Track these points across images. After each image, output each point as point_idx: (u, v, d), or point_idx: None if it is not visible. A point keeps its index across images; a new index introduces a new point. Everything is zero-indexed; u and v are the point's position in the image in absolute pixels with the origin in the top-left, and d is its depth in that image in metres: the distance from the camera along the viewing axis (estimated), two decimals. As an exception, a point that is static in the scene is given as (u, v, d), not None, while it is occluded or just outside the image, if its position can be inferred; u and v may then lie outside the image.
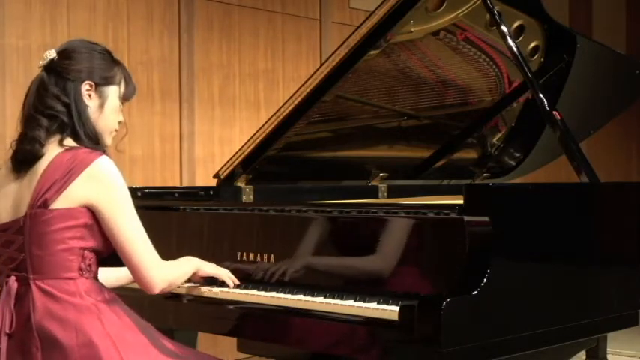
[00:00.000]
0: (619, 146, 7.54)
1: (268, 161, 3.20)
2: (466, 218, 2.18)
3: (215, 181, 3.27)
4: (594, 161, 2.82)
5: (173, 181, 4.49)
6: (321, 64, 2.97)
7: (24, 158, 2.14)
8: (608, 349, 3.05)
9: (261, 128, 3.09)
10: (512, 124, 3.81)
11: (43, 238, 2.08)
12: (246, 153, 3.14)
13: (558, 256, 2.40)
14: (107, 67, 2.24)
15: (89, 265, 2.13)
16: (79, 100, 2.18)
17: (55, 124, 2.15)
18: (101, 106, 2.22)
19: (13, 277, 2.11)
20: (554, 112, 2.78)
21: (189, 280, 2.53)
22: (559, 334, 2.36)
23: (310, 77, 2.95)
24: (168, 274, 2.25)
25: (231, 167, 3.19)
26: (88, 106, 2.19)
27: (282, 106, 3.03)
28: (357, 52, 2.89)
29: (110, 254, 2.22)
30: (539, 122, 3.42)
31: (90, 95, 2.20)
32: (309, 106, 3.01)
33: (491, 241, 2.15)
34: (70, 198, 2.09)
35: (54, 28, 4.01)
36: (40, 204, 2.08)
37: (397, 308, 2.14)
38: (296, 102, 2.98)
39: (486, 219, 2.16)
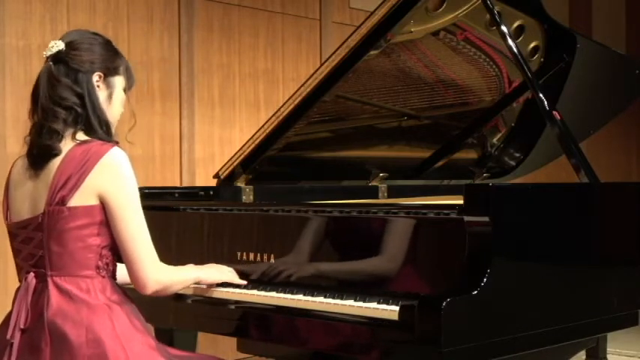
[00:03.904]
0: (619, 146, 7.54)
1: (268, 161, 3.20)
2: (466, 218, 2.18)
3: (215, 181, 3.27)
4: (594, 161, 2.82)
5: (173, 181, 4.49)
6: (321, 64, 2.97)
7: (43, 152, 2.13)
8: (608, 349, 3.06)
9: (261, 128, 3.09)
10: (513, 124, 3.81)
11: (62, 236, 2.10)
12: (246, 153, 3.14)
13: (558, 256, 2.40)
14: (112, 57, 2.25)
15: (106, 264, 2.14)
16: (93, 90, 2.18)
17: (70, 115, 2.15)
18: (110, 96, 2.24)
19: (32, 274, 2.13)
20: (554, 112, 2.78)
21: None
22: (559, 334, 2.36)
23: (310, 77, 2.95)
24: (164, 277, 2.22)
25: (231, 167, 3.19)
26: (98, 97, 2.20)
27: (282, 106, 3.03)
28: (357, 52, 2.89)
29: None
30: (539, 122, 3.42)
31: (99, 86, 2.21)
32: (309, 106, 3.01)
33: (492, 241, 2.15)
34: (86, 193, 2.09)
35: (54, 28, 4.01)
36: (58, 201, 2.09)
37: (397, 308, 2.14)
38: (296, 102, 2.98)
39: (486, 219, 2.16)
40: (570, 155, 2.72)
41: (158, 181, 4.40)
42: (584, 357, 3.02)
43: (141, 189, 3.00)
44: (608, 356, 3.05)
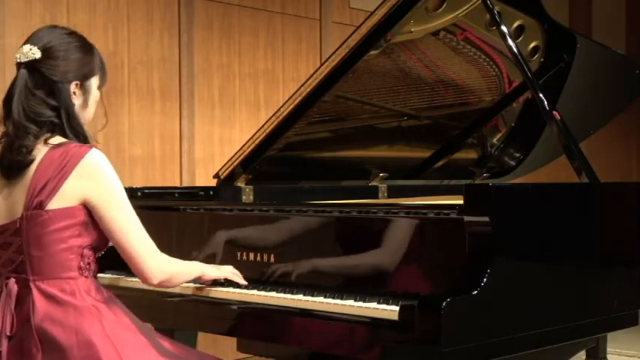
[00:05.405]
0: (619, 146, 7.54)
1: (268, 161, 3.20)
2: (466, 218, 2.18)
3: (215, 181, 3.27)
4: (594, 161, 2.82)
5: (173, 181, 4.49)
6: (321, 64, 2.97)
7: (15, 166, 2.11)
8: (608, 349, 3.05)
9: (261, 128, 3.09)
10: (513, 124, 3.81)
11: (42, 239, 2.08)
12: (246, 153, 3.14)
13: (558, 256, 2.40)
14: (87, 59, 2.21)
15: (88, 264, 2.13)
16: (69, 101, 2.16)
17: (44, 128, 2.12)
18: (85, 101, 2.22)
19: (12, 280, 2.10)
20: (554, 112, 2.78)
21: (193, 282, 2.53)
22: (559, 334, 2.36)
23: (310, 77, 2.95)
24: (168, 267, 2.23)
25: (231, 167, 3.19)
26: (74, 105, 2.18)
27: (282, 106, 3.03)
28: (357, 52, 2.89)
29: (107, 250, 2.22)
30: (539, 122, 3.42)
31: (75, 93, 2.18)
32: (309, 106, 3.01)
33: (491, 241, 2.15)
34: (66, 196, 2.08)
35: (54, 28, 4.01)
36: (36, 205, 2.07)
37: (397, 308, 2.14)
38: (296, 102, 2.98)
39: (486, 219, 2.16)
40: (570, 155, 2.72)
41: (158, 181, 4.40)
42: (584, 357, 3.02)
43: (141, 189, 3.03)
44: (608, 356, 3.04)
